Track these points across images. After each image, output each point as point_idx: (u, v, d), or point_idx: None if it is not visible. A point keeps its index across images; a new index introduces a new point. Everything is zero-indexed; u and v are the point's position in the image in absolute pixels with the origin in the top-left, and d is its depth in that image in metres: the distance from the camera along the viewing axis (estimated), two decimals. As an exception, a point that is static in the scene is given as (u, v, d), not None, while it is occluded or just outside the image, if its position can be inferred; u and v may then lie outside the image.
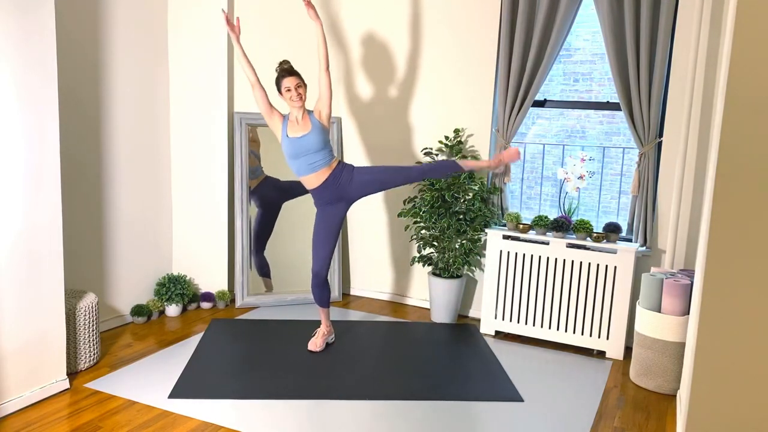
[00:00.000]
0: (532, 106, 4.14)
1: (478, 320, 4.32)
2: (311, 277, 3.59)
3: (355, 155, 4.68)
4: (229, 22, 3.46)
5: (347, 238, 4.79)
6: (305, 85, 3.46)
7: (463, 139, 4.30)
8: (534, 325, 3.95)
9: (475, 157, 4.18)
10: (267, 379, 3.23)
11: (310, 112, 3.50)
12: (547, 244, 3.85)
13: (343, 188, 3.49)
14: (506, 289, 4.00)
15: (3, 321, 2.77)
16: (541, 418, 2.95)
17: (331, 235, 3.54)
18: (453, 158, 3.62)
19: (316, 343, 3.63)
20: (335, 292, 4.62)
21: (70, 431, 2.68)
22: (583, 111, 4.08)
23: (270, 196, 4.48)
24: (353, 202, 3.59)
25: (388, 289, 4.73)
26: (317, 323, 4.10)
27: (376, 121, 4.58)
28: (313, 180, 3.47)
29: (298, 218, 4.51)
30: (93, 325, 3.32)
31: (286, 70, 3.44)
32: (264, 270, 4.49)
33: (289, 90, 3.40)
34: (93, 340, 3.32)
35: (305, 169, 3.45)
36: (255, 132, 4.43)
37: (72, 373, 3.24)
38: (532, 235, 3.93)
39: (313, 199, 3.58)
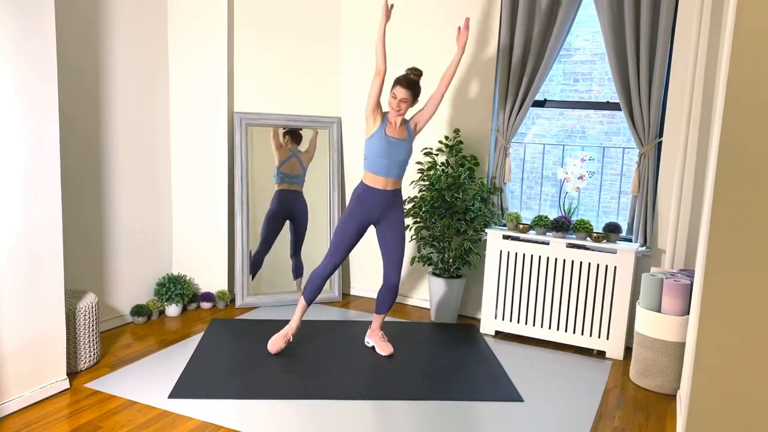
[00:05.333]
0: (532, 106, 4.14)
1: (478, 320, 4.32)
2: (325, 266, 3.54)
3: (355, 155, 4.68)
4: (387, 9, 3.42)
5: (347, 238, 4.80)
6: (412, 104, 3.46)
7: (463, 139, 4.30)
8: (534, 325, 3.95)
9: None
10: (267, 379, 3.23)
11: (406, 122, 3.52)
12: (547, 244, 3.85)
13: (382, 209, 3.50)
14: (506, 289, 4.00)
15: (3, 321, 2.77)
16: (541, 418, 2.95)
17: (354, 238, 3.54)
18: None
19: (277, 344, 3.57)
20: (335, 292, 4.63)
21: (70, 431, 2.68)
22: (583, 111, 4.08)
23: (300, 208, 4.54)
24: (369, 227, 3.60)
25: (388, 289, 4.72)
26: (317, 323, 4.10)
27: (376, 121, 4.58)
28: (379, 181, 3.46)
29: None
30: (93, 325, 3.32)
31: (406, 80, 3.43)
32: (298, 272, 4.54)
33: (395, 98, 3.41)
34: (93, 340, 3.32)
35: (383, 169, 3.44)
36: (300, 138, 4.47)
37: (72, 373, 3.24)
38: (532, 235, 3.93)
39: (355, 200, 3.51)
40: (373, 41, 3.42)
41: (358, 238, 3.55)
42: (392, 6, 3.45)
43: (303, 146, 4.57)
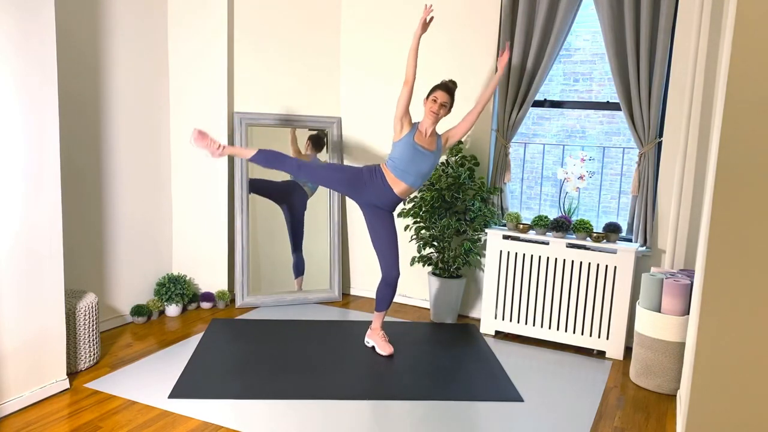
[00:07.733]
0: (532, 106, 4.14)
1: (478, 320, 4.32)
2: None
3: (356, 155, 4.68)
4: (424, 21, 3.37)
5: (347, 238, 4.79)
6: (448, 111, 3.47)
7: (463, 139, 4.30)
8: (534, 325, 3.95)
9: None
10: (267, 379, 3.23)
11: (437, 135, 3.53)
12: (547, 244, 3.85)
13: (379, 202, 3.52)
14: (506, 289, 4.00)
15: (3, 321, 2.77)
16: (541, 418, 2.95)
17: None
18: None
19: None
20: (335, 292, 4.63)
21: (70, 431, 2.68)
22: (583, 111, 4.08)
23: (295, 197, 4.53)
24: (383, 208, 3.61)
25: (388, 289, 4.72)
26: (317, 323, 4.10)
27: (376, 121, 4.58)
28: (393, 181, 3.47)
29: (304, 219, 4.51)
30: (93, 325, 3.32)
31: (446, 86, 3.46)
32: (299, 270, 4.52)
33: (435, 101, 3.42)
34: (93, 340, 3.32)
35: (399, 173, 3.45)
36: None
37: (72, 373, 3.24)
38: (532, 235, 3.93)
39: (367, 197, 3.53)
40: (407, 49, 3.48)
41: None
42: (431, 19, 3.41)
43: (323, 156, 4.57)
